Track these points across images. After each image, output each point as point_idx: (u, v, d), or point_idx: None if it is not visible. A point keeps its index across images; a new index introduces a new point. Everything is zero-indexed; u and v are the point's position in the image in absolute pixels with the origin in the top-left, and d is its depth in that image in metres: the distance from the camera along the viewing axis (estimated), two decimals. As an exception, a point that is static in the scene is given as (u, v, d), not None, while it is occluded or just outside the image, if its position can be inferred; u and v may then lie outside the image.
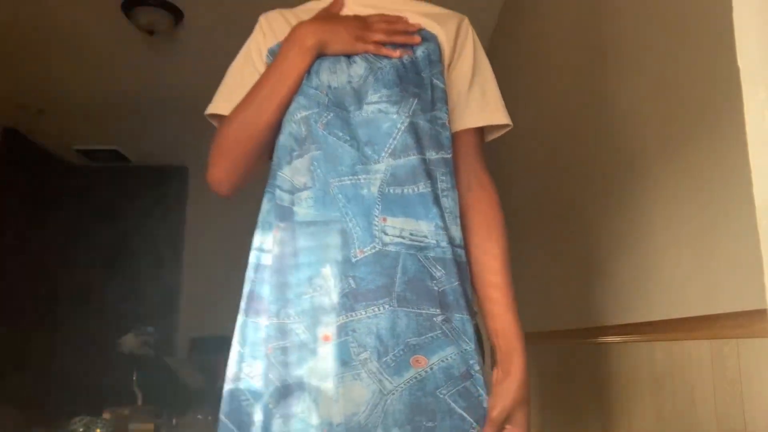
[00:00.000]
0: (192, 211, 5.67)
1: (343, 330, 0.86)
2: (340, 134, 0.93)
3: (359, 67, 0.97)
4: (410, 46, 0.99)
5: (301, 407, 0.86)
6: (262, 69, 1.03)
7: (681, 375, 1.18)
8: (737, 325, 0.98)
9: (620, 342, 1.50)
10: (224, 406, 0.92)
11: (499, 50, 3.18)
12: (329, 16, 1.02)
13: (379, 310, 0.86)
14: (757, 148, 0.55)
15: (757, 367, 0.94)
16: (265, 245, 0.96)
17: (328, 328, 0.87)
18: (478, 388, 0.88)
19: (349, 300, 0.87)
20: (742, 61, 0.56)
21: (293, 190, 0.93)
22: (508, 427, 0.89)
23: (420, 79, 0.98)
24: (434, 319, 0.88)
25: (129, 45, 3.46)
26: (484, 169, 1.05)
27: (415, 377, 0.85)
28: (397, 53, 0.97)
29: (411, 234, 0.90)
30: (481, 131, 1.07)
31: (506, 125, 1.07)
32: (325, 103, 0.95)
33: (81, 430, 2.68)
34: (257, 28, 1.09)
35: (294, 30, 0.98)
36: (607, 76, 1.63)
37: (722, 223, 1.06)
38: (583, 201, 1.83)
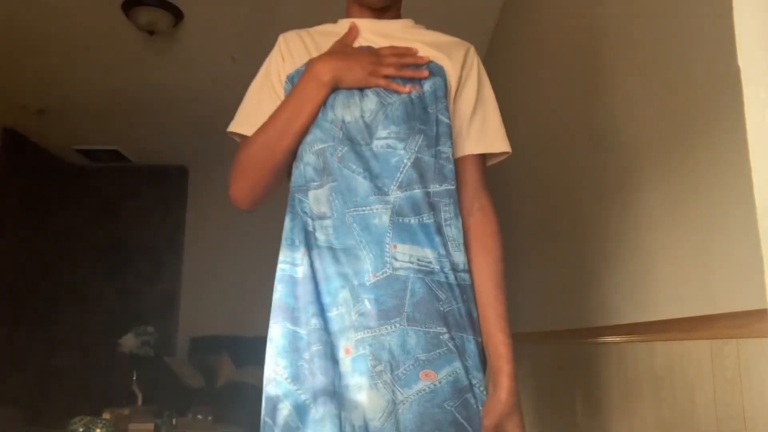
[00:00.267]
0: (192, 211, 5.68)
1: (360, 344, 0.96)
2: (354, 167, 1.02)
3: (371, 102, 1.06)
4: (418, 81, 1.07)
5: (329, 408, 0.95)
6: (280, 91, 1.12)
7: (681, 375, 1.18)
8: (737, 325, 0.98)
9: (620, 342, 1.50)
10: (265, 405, 1.00)
11: (499, 50, 3.18)
12: (344, 49, 1.10)
13: (392, 328, 0.96)
14: (757, 148, 0.55)
15: (757, 367, 0.94)
16: (292, 260, 1.05)
17: (349, 342, 0.97)
18: (477, 400, 0.97)
19: (366, 319, 0.97)
20: (742, 61, 0.56)
21: (314, 217, 1.04)
22: None
23: (426, 114, 1.06)
24: (441, 336, 0.97)
25: (129, 45, 3.46)
26: (485, 193, 1.13)
27: (425, 389, 0.95)
28: (406, 89, 1.05)
29: (419, 260, 1.00)
30: (482, 157, 1.15)
31: (506, 152, 1.15)
32: (339, 137, 1.04)
33: (81, 430, 2.68)
34: (276, 49, 1.16)
35: (312, 64, 1.07)
36: (607, 75, 1.63)
37: (722, 223, 1.06)
38: (583, 200, 1.83)
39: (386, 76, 1.05)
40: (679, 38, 1.22)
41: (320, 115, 1.05)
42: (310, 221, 1.04)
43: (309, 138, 1.06)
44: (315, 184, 1.04)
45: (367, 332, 0.96)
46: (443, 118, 1.08)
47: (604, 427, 1.63)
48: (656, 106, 1.33)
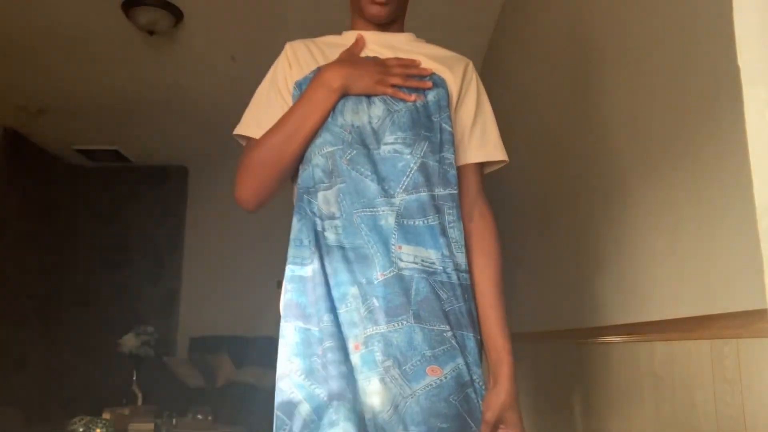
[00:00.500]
0: (192, 211, 5.68)
1: (369, 341, 1.00)
2: (362, 170, 1.07)
3: (378, 109, 1.11)
4: (422, 91, 1.12)
5: (344, 403, 0.97)
6: (287, 96, 1.16)
7: (681, 375, 1.18)
8: (737, 325, 0.98)
9: (620, 342, 1.50)
10: (277, 399, 1.03)
11: (499, 51, 3.18)
12: (352, 58, 1.15)
13: (399, 325, 1.00)
14: (757, 148, 0.55)
15: (757, 367, 0.94)
16: (301, 259, 1.07)
17: (358, 338, 1.01)
18: (477, 394, 1.02)
19: (374, 315, 1.01)
20: (742, 61, 0.56)
21: (323, 217, 1.07)
22: (502, 427, 1.03)
23: (431, 122, 1.12)
24: (444, 334, 1.02)
25: (129, 45, 3.46)
26: (484, 199, 1.18)
27: (432, 384, 0.99)
28: (411, 98, 1.11)
29: (422, 260, 1.04)
30: (482, 165, 1.21)
31: (503, 161, 1.21)
32: (348, 140, 1.08)
33: (81, 430, 2.68)
34: (283, 56, 1.20)
35: (323, 71, 1.11)
36: (607, 75, 1.63)
37: (722, 223, 1.06)
38: (583, 200, 1.83)
39: (393, 85, 1.10)
40: (679, 38, 1.22)
41: (330, 119, 1.10)
42: (319, 221, 1.07)
43: (318, 141, 1.10)
44: (324, 185, 1.08)
45: (376, 329, 1.00)
46: (446, 127, 1.13)
47: (603, 427, 1.63)
48: (656, 105, 1.33)
